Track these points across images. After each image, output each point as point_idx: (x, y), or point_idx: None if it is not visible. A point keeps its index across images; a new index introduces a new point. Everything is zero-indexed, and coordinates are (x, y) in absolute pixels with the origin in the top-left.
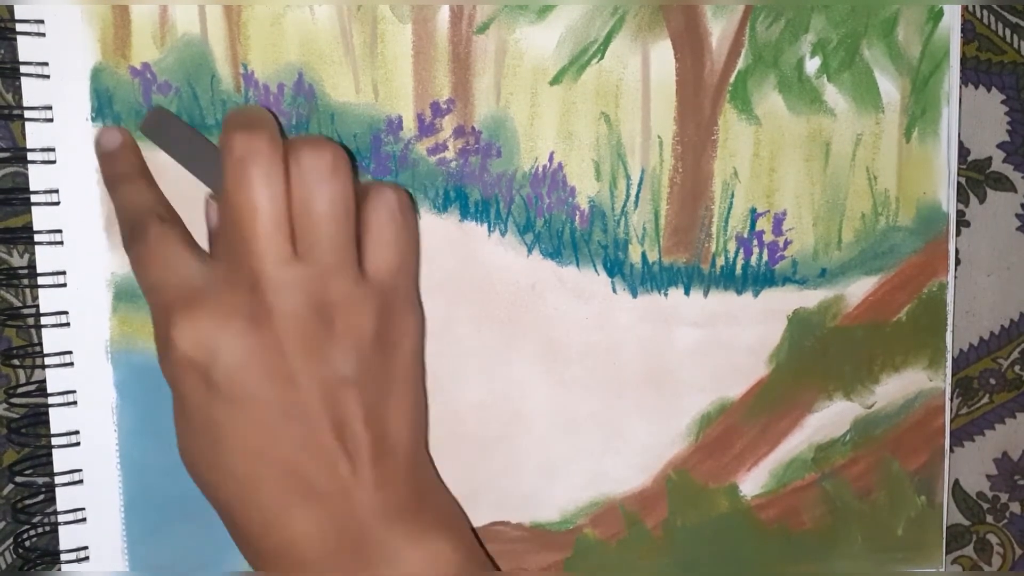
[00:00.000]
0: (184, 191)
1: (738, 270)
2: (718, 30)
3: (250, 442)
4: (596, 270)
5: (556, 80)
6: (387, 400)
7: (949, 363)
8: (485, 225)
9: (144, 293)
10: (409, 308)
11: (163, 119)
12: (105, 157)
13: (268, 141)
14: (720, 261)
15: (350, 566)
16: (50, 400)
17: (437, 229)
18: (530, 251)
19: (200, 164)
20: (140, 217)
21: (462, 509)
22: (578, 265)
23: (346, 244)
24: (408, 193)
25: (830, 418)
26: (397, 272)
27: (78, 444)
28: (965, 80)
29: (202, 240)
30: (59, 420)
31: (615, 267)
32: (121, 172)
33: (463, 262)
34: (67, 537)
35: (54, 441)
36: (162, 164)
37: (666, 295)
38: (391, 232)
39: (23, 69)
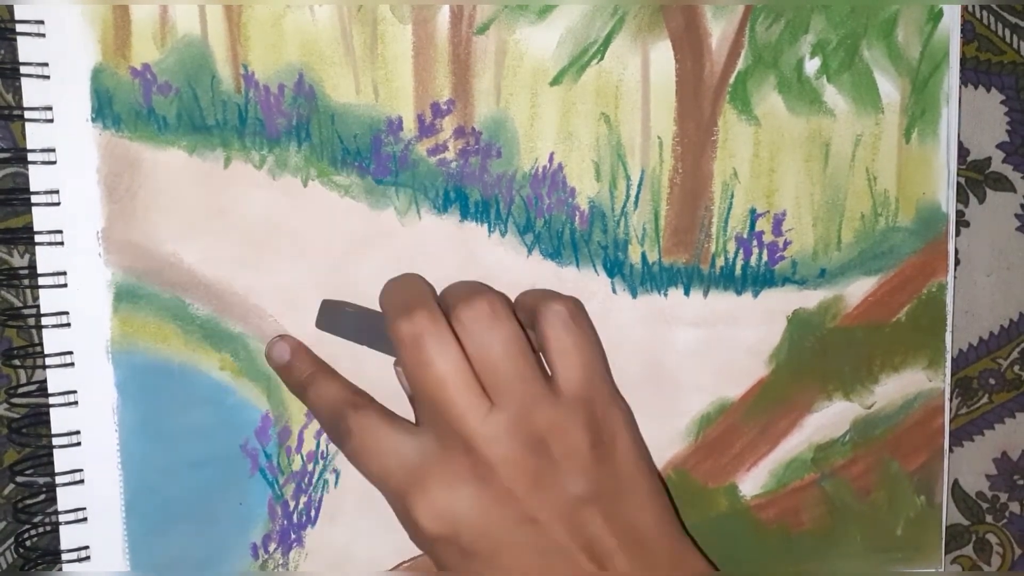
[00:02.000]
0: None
1: (738, 270)
2: (718, 31)
3: None
4: (596, 270)
5: (556, 81)
6: (624, 499)
7: (948, 363)
8: (485, 225)
9: (371, 482)
10: (612, 405)
11: (333, 309)
12: (282, 370)
13: (428, 318)
14: (720, 261)
15: None
16: (51, 400)
17: (437, 230)
18: (530, 252)
19: (378, 338)
20: (336, 414)
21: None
22: (578, 265)
23: (533, 375)
24: (575, 300)
25: (830, 418)
26: (589, 379)
27: (79, 444)
28: (965, 80)
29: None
30: (60, 420)
31: (615, 267)
32: (302, 378)
33: (463, 262)
34: (68, 537)
35: (55, 441)
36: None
37: (666, 295)
38: (571, 343)
39: (23, 69)
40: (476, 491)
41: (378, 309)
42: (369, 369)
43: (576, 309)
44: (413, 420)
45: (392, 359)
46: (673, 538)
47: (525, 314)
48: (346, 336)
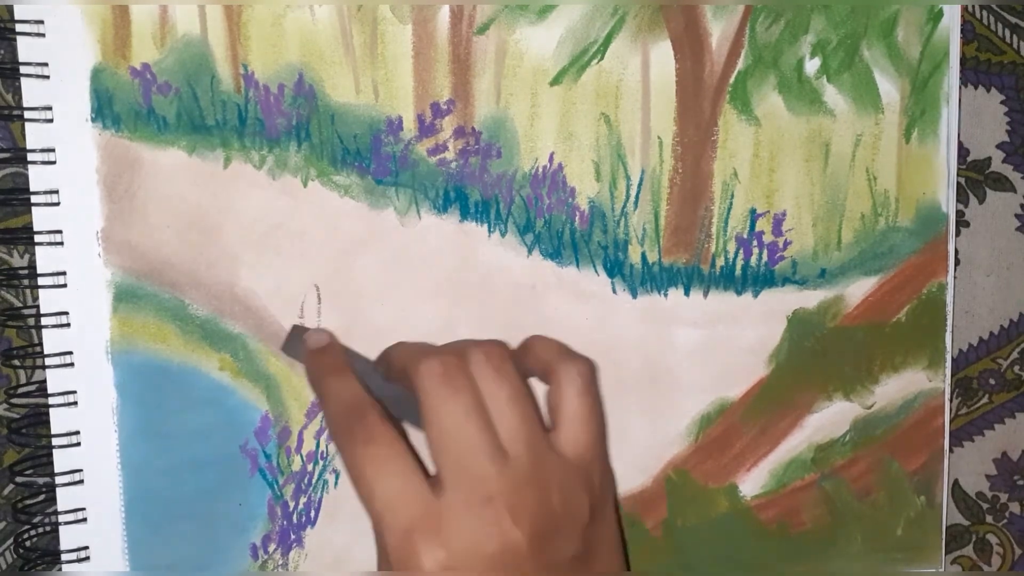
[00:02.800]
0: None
1: (738, 270)
2: (718, 31)
3: None
4: (596, 271)
5: (556, 81)
6: (600, 548)
7: (948, 363)
8: (485, 226)
9: (362, 496)
10: (607, 471)
11: (300, 335)
12: (312, 355)
13: (456, 359)
14: (720, 261)
15: None
16: (50, 400)
17: (437, 230)
18: (530, 252)
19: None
20: (355, 412)
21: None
22: (578, 266)
23: (539, 425)
24: (591, 363)
25: (830, 418)
26: (593, 446)
27: (78, 444)
28: (965, 80)
29: None
30: (59, 420)
31: (615, 268)
32: (327, 367)
33: (463, 262)
34: (67, 537)
35: (54, 441)
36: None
37: (666, 295)
38: (585, 411)
39: (23, 69)
40: (488, 538)
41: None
42: None
43: (592, 374)
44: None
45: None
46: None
47: (537, 364)
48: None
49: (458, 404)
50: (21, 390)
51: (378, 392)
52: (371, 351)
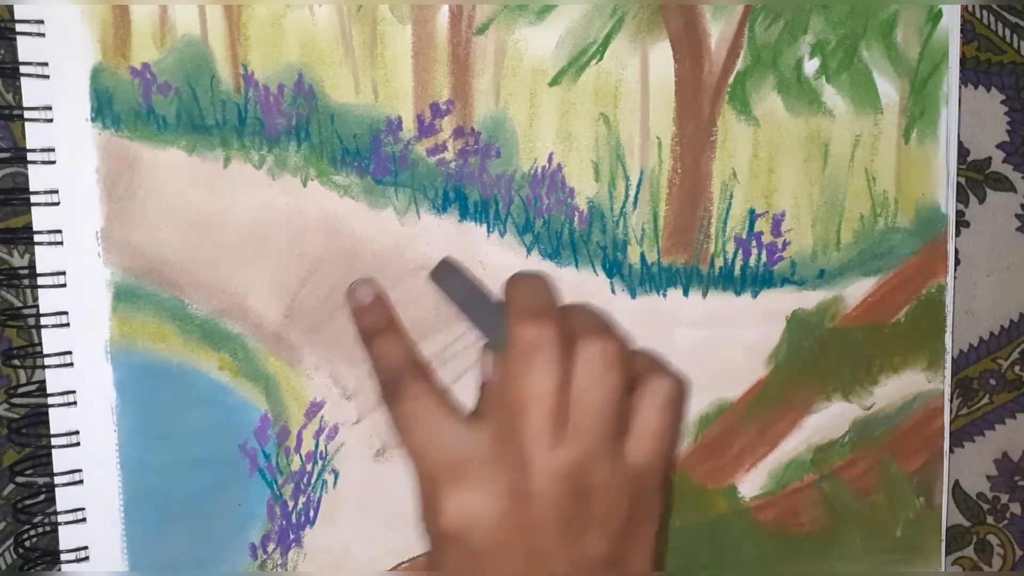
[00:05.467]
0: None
1: (737, 271)
2: (717, 31)
3: None
4: (595, 271)
5: (555, 81)
6: (632, 557)
7: (948, 364)
8: (484, 226)
9: (406, 453)
10: (660, 489)
11: (450, 270)
12: (359, 310)
13: (554, 334)
14: (719, 262)
15: None
16: (50, 400)
17: (436, 230)
18: (529, 252)
19: (482, 316)
20: (395, 373)
21: None
22: (577, 266)
23: (612, 431)
24: (682, 382)
25: (829, 419)
26: (657, 461)
27: (78, 444)
28: (965, 80)
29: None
30: (59, 420)
31: (614, 268)
32: (375, 325)
33: (462, 262)
34: (67, 537)
35: (54, 441)
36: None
37: (665, 296)
38: (659, 424)
39: (23, 69)
40: (508, 508)
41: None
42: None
43: (679, 394)
44: (469, 406)
45: (481, 338)
46: None
47: (633, 369)
48: (451, 297)
49: (544, 380)
50: (21, 390)
51: (475, 309)
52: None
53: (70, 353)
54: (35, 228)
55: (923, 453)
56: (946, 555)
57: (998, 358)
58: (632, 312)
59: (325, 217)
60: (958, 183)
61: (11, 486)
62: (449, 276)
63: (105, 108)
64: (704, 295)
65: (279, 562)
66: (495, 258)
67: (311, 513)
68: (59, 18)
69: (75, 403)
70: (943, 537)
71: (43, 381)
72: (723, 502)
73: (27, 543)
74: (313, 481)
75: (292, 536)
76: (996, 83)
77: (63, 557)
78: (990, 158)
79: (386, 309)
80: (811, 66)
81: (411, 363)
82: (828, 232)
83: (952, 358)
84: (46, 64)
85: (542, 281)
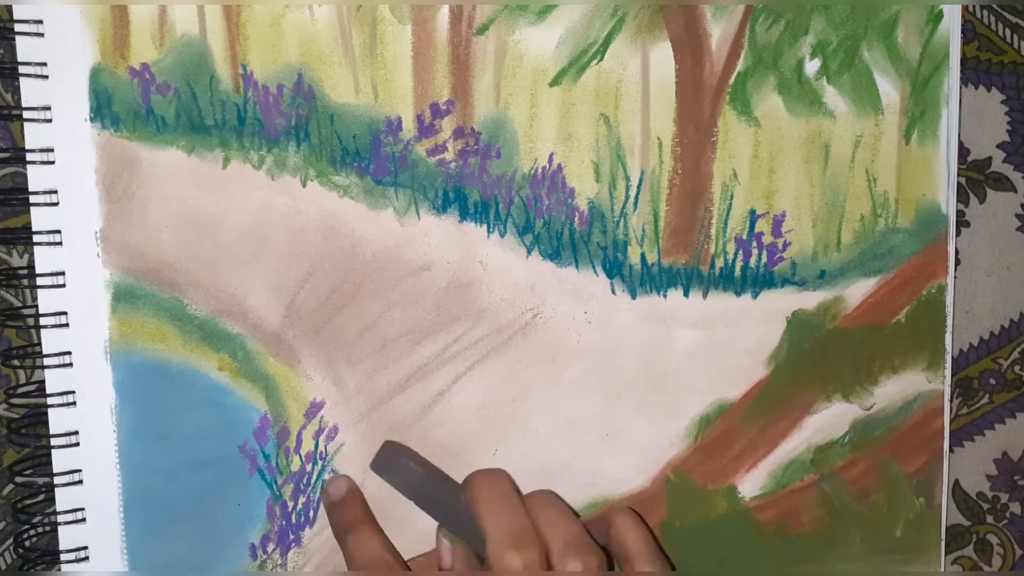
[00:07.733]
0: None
1: (737, 271)
2: (718, 31)
3: None
4: (595, 271)
5: (556, 81)
6: None
7: (948, 364)
8: (484, 226)
9: None
10: None
11: (392, 456)
12: (333, 507)
13: (535, 565)
14: (719, 262)
15: None
16: (49, 400)
17: (436, 230)
18: (529, 252)
19: (436, 502)
20: (372, 566)
21: None
22: (577, 266)
23: None
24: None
25: (829, 419)
26: None
27: (77, 444)
28: (965, 80)
29: None
30: (58, 420)
31: (614, 268)
32: (349, 521)
33: (462, 263)
34: (67, 537)
35: (53, 441)
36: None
37: (665, 296)
38: None
39: (22, 69)
40: None
41: (437, 467)
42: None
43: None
44: None
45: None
46: None
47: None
48: (398, 487)
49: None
50: (20, 390)
51: (427, 497)
52: (372, 351)
53: (69, 353)
54: (34, 228)
55: (923, 453)
56: (946, 555)
57: (998, 358)
58: (632, 313)
59: (325, 218)
60: (958, 183)
61: (11, 486)
62: (392, 464)
63: (104, 108)
64: (704, 296)
65: (279, 562)
66: (495, 259)
67: (311, 513)
68: (58, 18)
69: (74, 403)
70: (943, 537)
71: (42, 381)
72: (723, 502)
73: (27, 543)
74: (313, 481)
75: (292, 536)
76: (996, 83)
77: (63, 557)
78: (990, 158)
79: (360, 504)
80: (812, 67)
81: (388, 563)
82: (829, 233)
83: (952, 358)
84: (45, 64)
85: (503, 478)
